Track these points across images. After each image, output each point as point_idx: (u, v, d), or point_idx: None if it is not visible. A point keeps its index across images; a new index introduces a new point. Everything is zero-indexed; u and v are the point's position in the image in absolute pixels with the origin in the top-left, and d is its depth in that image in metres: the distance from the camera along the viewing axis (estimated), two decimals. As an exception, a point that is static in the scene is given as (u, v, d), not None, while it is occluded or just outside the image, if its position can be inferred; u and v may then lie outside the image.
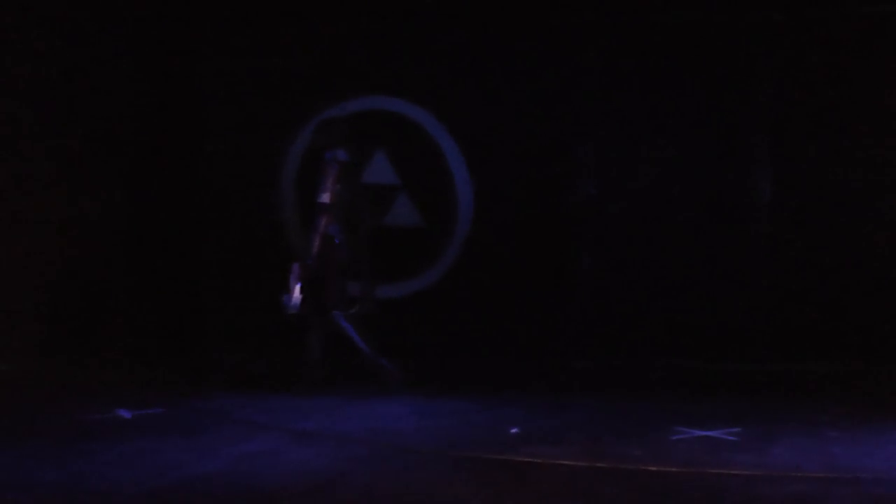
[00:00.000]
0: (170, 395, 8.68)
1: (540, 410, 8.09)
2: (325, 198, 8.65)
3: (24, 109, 9.84)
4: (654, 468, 6.32)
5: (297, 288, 8.63)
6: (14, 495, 5.82)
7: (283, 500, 5.78)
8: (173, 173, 10.66)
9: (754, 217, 9.89)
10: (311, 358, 8.84)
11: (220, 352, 10.52)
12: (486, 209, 10.28)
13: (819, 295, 9.80)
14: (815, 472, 6.23)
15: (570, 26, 10.13)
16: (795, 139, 9.83)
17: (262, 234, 10.54)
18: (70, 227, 10.09)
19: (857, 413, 7.87)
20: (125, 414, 7.90)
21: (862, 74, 9.70)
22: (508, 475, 6.25)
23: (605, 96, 10.07)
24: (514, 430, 7.31)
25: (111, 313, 10.42)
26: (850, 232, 9.75)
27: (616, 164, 10.09)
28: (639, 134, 10.06)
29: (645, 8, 9.99)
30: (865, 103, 9.72)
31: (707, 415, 7.74)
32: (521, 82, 10.18)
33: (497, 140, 10.26)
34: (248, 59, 10.60)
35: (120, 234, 10.55)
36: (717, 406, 8.24)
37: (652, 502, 5.75)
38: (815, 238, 9.83)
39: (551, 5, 10.13)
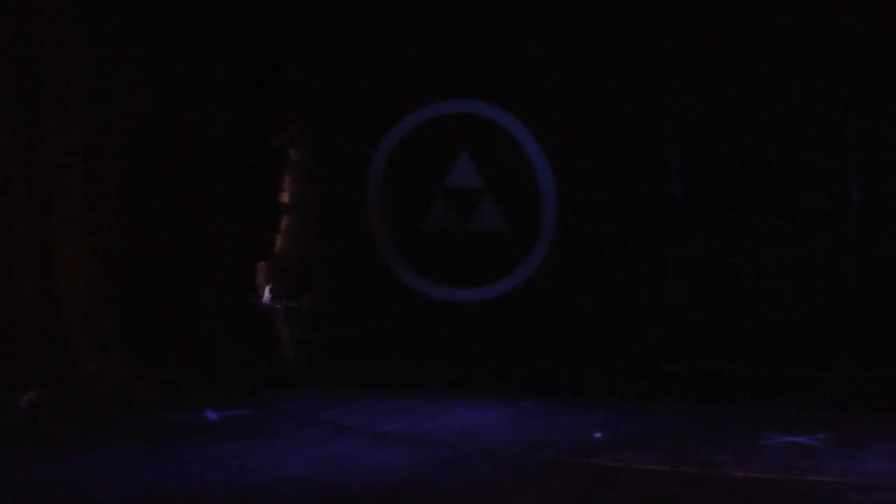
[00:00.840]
0: (252, 395, 8.77)
1: (625, 414, 8.05)
2: (284, 198, 8.88)
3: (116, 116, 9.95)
4: (740, 474, 6.27)
5: (267, 287, 8.85)
6: (106, 493, 5.93)
7: (368, 502, 5.82)
8: (260, 177, 10.74)
9: (844, 222, 9.76)
10: (285, 354, 8.99)
11: (293, 352, 10.57)
12: (572, 212, 10.25)
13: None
14: (907, 479, 6.15)
15: (658, 29, 10.07)
16: (886, 146, 9.68)
17: (348, 238, 10.59)
18: (140, 226, 10.17)
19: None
20: (211, 415, 8.00)
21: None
22: (593, 480, 6.22)
23: (693, 99, 10.01)
24: (598, 435, 7.28)
25: (184, 313, 10.49)
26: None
27: (704, 166, 10.02)
28: (727, 137, 9.98)
29: (736, 10, 9.91)
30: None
31: (794, 420, 7.66)
32: (607, 84, 10.15)
33: (582, 142, 10.23)
34: (337, 64, 10.67)
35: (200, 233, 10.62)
36: (804, 412, 8.14)
37: (739, 509, 5.72)
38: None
39: (638, 8, 10.08)
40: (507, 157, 10.33)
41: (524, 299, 10.27)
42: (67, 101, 9.43)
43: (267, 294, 8.95)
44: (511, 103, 10.34)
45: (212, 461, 6.65)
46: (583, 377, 9.62)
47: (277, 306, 9.06)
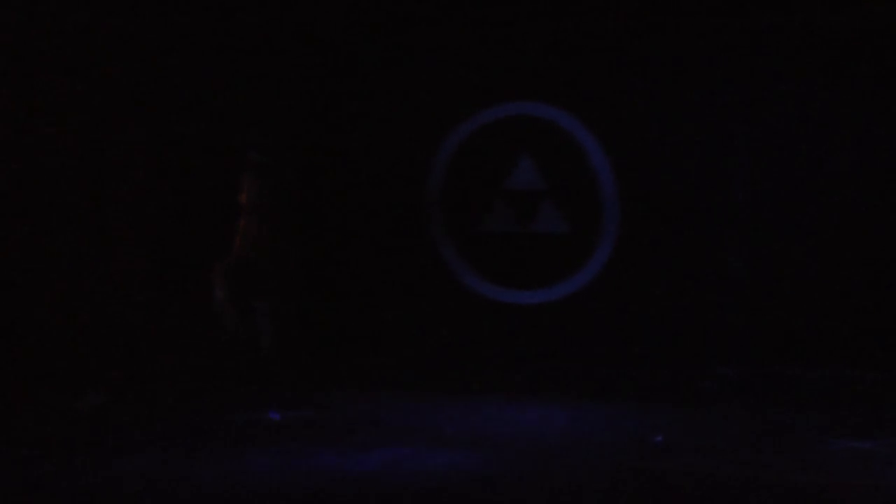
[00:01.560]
0: (312, 396, 8.85)
1: (687, 418, 8.03)
2: (241, 198, 8.95)
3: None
4: (803, 479, 6.24)
5: (219, 287, 8.95)
6: (174, 490, 6.01)
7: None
8: (322, 182, 10.83)
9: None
10: (258, 346, 9.06)
11: (354, 352, 10.65)
12: (634, 213, 10.23)
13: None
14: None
15: (719, 29, 10.03)
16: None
17: (402, 240, 10.65)
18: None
19: None
20: (275, 416, 8.07)
21: None
22: (653, 484, 6.23)
23: (757, 99, 9.95)
24: (658, 438, 7.26)
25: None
26: None
27: (768, 169, 9.96)
28: (790, 137, 9.91)
29: (802, 10, 9.83)
30: None
31: (860, 425, 7.60)
32: (669, 86, 10.11)
33: (644, 144, 10.21)
34: (396, 65, 10.73)
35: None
36: (869, 416, 8.08)
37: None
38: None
39: (699, 8, 10.04)
40: (568, 159, 10.33)
41: (586, 302, 10.26)
42: (133, 122, 9.69)
43: (221, 293, 9.08)
44: (574, 105, 10.33)
45: (278, 461, 6.72)
46: (644, 380, 9.59)
47: (238, 305, 9.19)
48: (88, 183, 9.62)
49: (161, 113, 9.99)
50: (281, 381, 9.31)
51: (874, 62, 9.66)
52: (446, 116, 10.58)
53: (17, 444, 7.14)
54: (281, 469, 6.54)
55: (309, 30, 10.72)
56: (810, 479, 6.23)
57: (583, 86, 10.36)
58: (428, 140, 10.64)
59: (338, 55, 10.89)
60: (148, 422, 7.94)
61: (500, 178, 10.46)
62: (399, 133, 10.70)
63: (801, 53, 9.87)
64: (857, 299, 9.76)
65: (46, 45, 9.55)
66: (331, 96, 10.85)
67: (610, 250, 10.28)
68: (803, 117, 9.88)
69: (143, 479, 6.28)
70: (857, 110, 9.73)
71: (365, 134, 10.81)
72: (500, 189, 10.44)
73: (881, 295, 9.72)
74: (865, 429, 7.45)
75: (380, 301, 10.69)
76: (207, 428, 7.68)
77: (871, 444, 7.06)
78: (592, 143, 10.34)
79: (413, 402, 8.63)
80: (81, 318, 9.48)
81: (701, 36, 10.09)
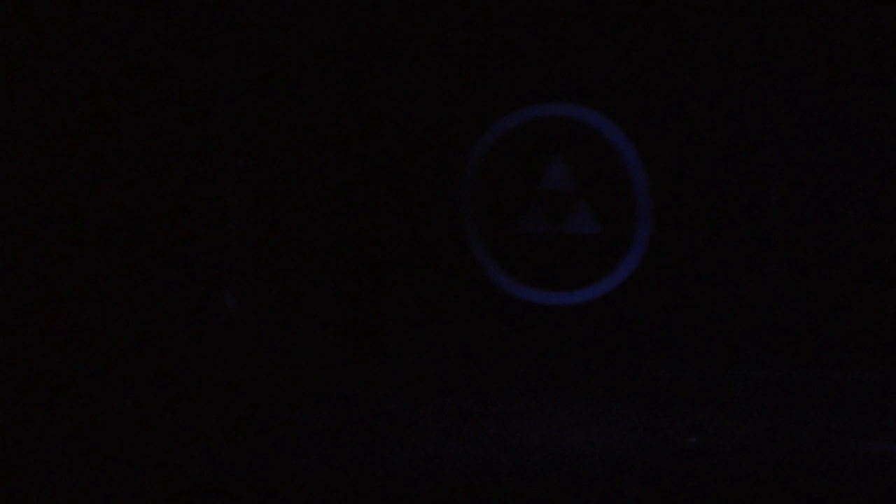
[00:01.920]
0: (349, 396, 8.88)
1: (722, 419, 7.99)
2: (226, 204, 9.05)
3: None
4: (837, 483, 6.21)
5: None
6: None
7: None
8: (355, 180, 10.83)
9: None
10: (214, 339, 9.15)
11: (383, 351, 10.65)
12: (668, 214, 10.18)
13: None
14: None
15: (759, 28, 9.97)
16: None
17: (433, 241, 10.63)
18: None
19: None
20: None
21: None
22: (686, 485, 6.20)
23: (794, 98, 9.89)
24: (692, 440, 7.23)
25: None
26: None
27: (803, 170, 9.89)
28: (829, 136, 9.84)
29: (839, 9, 9.77)
30: None
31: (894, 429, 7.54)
32: (704, 86, 10.06)
33: (678, 145, 10.16)
34: (428, 66, 10.72)
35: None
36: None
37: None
38: None
39: (738, 6, 9.98)
40: (601, 160, 10.29)
41: (617, 303, 10.23)
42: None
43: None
44: (606, 106, 10.30)
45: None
46: (675, 381, 9.56)
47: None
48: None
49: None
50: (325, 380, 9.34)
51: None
52: (479, 118, 10.56)
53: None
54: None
55: (341, 20, 10.74)
56: (843, 484, 6.17)
57: (616, 86, 10.32)
58: (460, 141, 10.62)
59: (370, 52, 10.90)
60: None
61: (533, 179, 10.44)
62: (429, 135, 10.69)
63: (840, 53, 9.80)
64: (893, 301, 9.68)
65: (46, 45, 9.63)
66: (360, 96, 10.86)
67: (643, 251, 10.24)
68: (841, 118, 9.81)
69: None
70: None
71: (396, 134, 10.80)
72: (533, 189, 10.42)
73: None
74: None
75: (408, 301, 10.69)
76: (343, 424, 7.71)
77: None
78: (625, 143, 10.30)
79: (436, 403, 8.61)
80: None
81: (735, 34, 10.04)
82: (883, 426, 7.63)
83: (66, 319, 9.48)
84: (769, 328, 9.95)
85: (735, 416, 8.19)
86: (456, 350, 10.17)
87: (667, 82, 10.23)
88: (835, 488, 6.07)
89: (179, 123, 10.12)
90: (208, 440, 7.27)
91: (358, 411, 8.33)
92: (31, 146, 10.03)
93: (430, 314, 10.50)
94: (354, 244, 10.89)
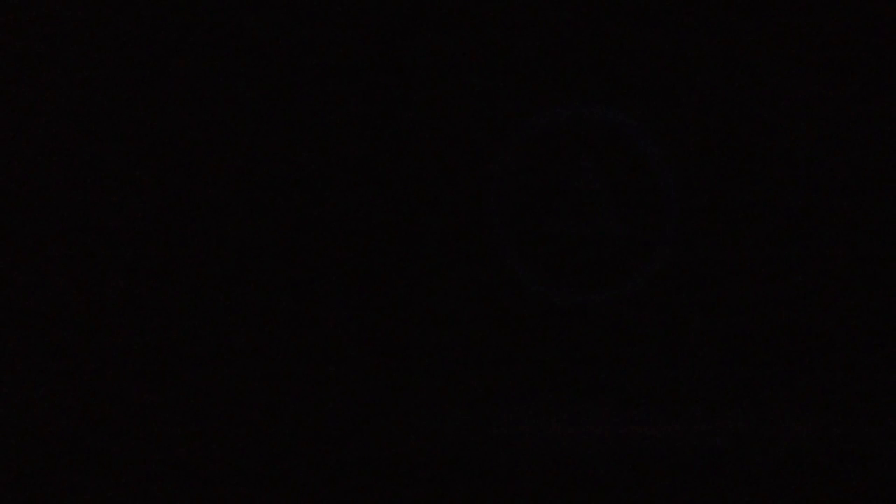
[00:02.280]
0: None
1: (745, 422, 8.00)
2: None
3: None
4: (837, 483, 6.21)
5: None
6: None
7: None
8: (382, 182, 10.88)
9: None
10: None
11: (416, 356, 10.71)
12: (695, 215, 10.17)
13: None
14: None
15: (783, 28, 9.97)
16: None
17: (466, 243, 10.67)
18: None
19: None
20: None
21: None
22: (713, 487, 6.19)
23: (820, 98, 9.87)
24: (718, 441, 7.27)
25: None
26: None
27: (832, 172, 9.86)
28: (854, 138, 9.81)
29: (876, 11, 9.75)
30: None
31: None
32: (732, 87, 10.07)
33: (706, 147, 10.16)
34: (450, 67, 10.78)
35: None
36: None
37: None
38: None
39: (765, 7, 10.00)
40: (629, 160, 10.32)
41: (645, 304, 10.24)
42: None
43: None
44: (634, 107, 10.34)
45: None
46: (698, 383, 9.58)
47: None
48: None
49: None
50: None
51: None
52: (506, 118, 10.61)
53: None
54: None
55: (370, 17, 10.82)
56: (844, 483, 6.19)
57: (645, 87, 10.33)
58: (487, 142, 10.66)
59: (398, 52, 10.96)
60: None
61: (561, 179, 10.47)
62: (457, 135, 10.73)
63: (872, 54, 9.79)
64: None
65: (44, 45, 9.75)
66: (388, 97, 10.93)
67: (669, 253, 10.24)
68: (870, 118, 9.79)
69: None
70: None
71: (424, 134, 10.85)
72: (561, 190, 10.46)
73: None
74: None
75: (435, 301, 10.72)
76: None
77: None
78: (654, 145, 10.31)
79: (460, 404, 8.64)
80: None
81: (761, 33, 10.06)
82: (883, 426, 7.65)
83: (66, 319, 9.56)
84: (795, 330, 9.94)
85: (763, 419, 8.20)
86: (482, 350, 10.18)
87: (696, 83, 10.24)
88: (835, 488, 6.08)
89: (194, 123, 10.26)
90: (208, 440, 7.33)
91: (369, 413, 8.35)
92: (31, 146, 10.16)
93: (456, 314, 10.53)
94: (381, 245, 10.93)
